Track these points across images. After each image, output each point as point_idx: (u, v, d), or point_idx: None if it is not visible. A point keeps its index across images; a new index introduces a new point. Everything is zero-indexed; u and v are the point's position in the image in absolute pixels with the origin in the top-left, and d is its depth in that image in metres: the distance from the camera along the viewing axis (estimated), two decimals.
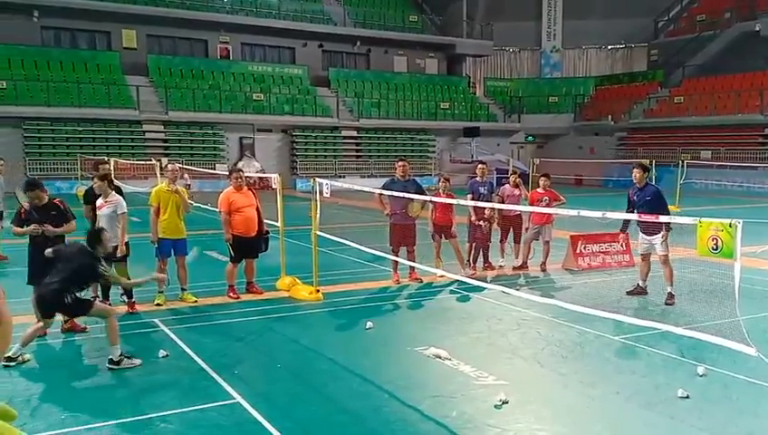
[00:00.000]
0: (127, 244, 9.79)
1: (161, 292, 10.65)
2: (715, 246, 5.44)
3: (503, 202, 13.55)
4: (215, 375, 7.42)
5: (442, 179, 13.29)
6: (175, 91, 38.19)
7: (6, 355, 7.42)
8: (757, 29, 43.91)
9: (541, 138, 50.72)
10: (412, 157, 41.34)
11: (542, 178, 14.12)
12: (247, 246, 11.22)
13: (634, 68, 54.51)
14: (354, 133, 43.25)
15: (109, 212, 9.75)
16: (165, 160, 25.21)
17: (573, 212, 7.70)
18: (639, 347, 8.49)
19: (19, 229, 8.98)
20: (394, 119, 44.01)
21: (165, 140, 37.63)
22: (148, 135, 37.31)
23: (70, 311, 7.95)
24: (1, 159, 15.25)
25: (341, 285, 12.23)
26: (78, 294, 7.68)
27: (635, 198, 11.19)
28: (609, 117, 46.78)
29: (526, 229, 13.91)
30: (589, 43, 56.43)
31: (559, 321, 9.64)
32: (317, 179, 11.47)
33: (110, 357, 7.67)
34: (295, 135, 40.98)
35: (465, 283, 10.53)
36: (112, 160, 21.50)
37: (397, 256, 12.32)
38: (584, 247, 14.04)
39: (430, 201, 12.16)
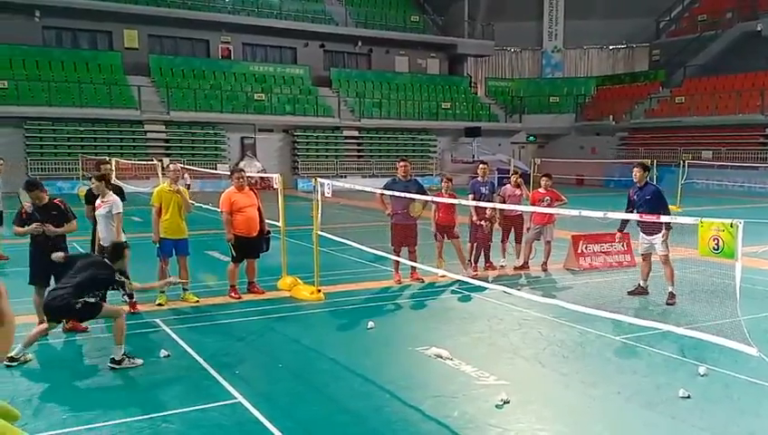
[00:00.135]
0: (124, 244, 9.73)
1: (163, 292, 10.66)
2: (716, 246, 5.44)
3: (504, 202, 13.55)
4: (216, 375, 7.43)
5: (445, 179, 13.29)
6: (176, 91, 38.19)
7: (9, 355, 7.43)
8: (759, 29, 43.91)
9: (542, 138, 50.69)
10: (413, 157, 41.30)
11: (544, 178, 14.13)
12: (249, 246, 11.23)
13: (635, 68, 54.49)
14: (356, 133, 43.24)
15: (104, 212, 9.75)
16: (166, 160, 25.24)
17: (575, 212, 7.70)
18: (641, 347, 8.49)
19: (20, 229, 9.00)
20: (395, 119, 44.00)
21: (166, 140, 37.64)
22: (149, 135, 37.32)
23: (80, 316, 7.94)
24: (0, 159, 15.26)
25: (343, 285, 12.23)
26: (88, 299, 7.67)
27: (635, 197, 11.19)
28: (611, 117, 46.75)
29: (528, 229, 13.91)
30: (590, 43, 56.42)
31: (560, 321, 9.64)
32: (318, 179, 11.47)
33: (112, 357, 7.68)
34: (297, 135, 40.98)
35: (467, 283, 10.54)
36: (114, 160, 21.54)
37: (398, 256, 12.33)
38: (585, 247, 14.05)
39: (432, 201, 12.17)
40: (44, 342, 8.54)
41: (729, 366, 7.47)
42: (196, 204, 12.82)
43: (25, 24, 36.83)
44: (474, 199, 12.53)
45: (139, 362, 7.79)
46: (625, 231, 13.12)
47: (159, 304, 10.48)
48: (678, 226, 8.82)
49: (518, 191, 13.98)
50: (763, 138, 38.47)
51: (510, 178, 14.52)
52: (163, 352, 8.13)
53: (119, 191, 10.89)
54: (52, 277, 8.75)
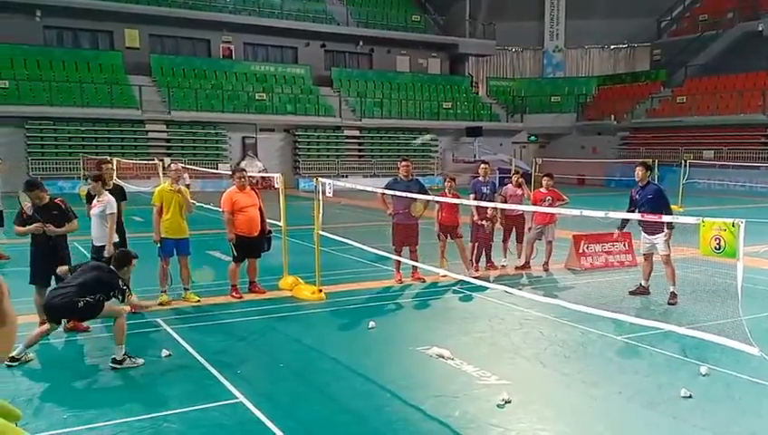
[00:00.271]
0: (115, 244, 9.72)
1: (164, 291, 10.66)
2: (717, 246, 5.43)
3: (505, 202, 13.54)
4: (217, 375, 7.43)
5: (448, 179, 13.27)
6: (177, 90, 38.20)
7: (10, 355, 7.43)
8: (760, 29, 43.87)
9: (543, 137, 50.68)
10: (414, 157, 41.25)
11: (545, 177, 14.12)
12: (250, 246, 11.22)
13: (637, 68, 54.45)
14: (357, 133, 43.24)
15: (98, 211, 9.73)
16: (167, 160, 25.26)
17: (576, 212, 7.70)
18: (642, 347, 8.48)
19: (21, 229, 9.00)
20: (396, 118, 43.98)
21: (167, 140, 37.63)
22: (150, 135, 37.30)
23: (81, 315, 7.92)
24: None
25: (344, 284, 12.23)
26: (91, 300, 7.66)
27: (637, 196, 11.18)
28: (612, 117, 46.72)
29: (529, 229, 13.90)
30: (591, 43, 56.37)
31: (561, 321, 9.63)
32: (320, 179, 11.47)
33: (113, 356, 7.68)
34: (298, 135, 40.97)
35: (468, 282, 10.54)
36: (115, 160, 21.52)
37: (399, 255, 12.33)
38: (587, 247, 14.04)
39: (433, 201, 12.15)
40: (46, 341, 8.53)
41: (731, 366, 7.47)
42: (197, 204, 12.82)
43: (26, 23, 36.84)
44: (475, 199, 12.53)
45: (141, 361, 7.79)
46: (626, 230, 13.15)
47: (161, 304, 10.48)
48: (680, 225, 8.82)
49: (519, 191, 13.97)
50: (765, 138, 38.43)
51: (511, 177, 14.51)
52: (164, 352, 8.13)
53: (120, 191, 10.90)
54: (53, 278, 8.75)
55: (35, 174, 30.86)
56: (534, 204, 13.60)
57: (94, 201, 9.93)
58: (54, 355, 8.40)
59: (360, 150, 43.10)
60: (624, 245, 14.31)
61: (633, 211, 11.09)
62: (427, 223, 13.15)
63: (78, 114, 34.90)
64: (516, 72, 56.95)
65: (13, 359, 7.56)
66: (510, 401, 6.61)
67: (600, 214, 7.27)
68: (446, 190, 12.89)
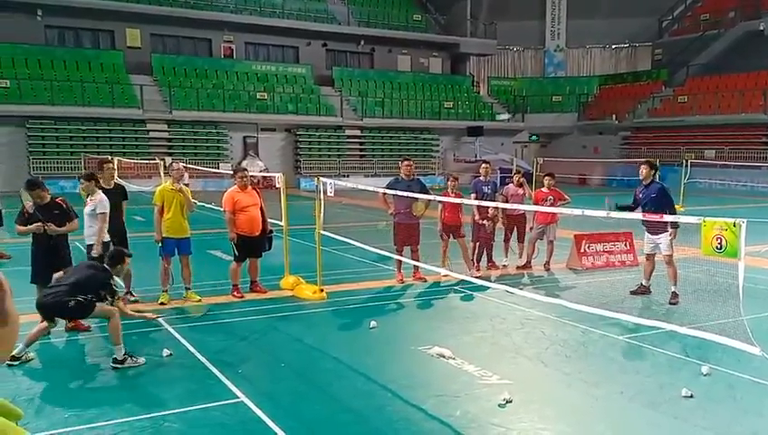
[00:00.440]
0: (106, 244, 9.71)
1: (165, 291, 10.66)
2: (719, 246, 5.43)
3: (506, 202, 13.52)
4: (218, 374, 7.43)
5: (451, 178, 13.24)
6: (179, 90, 38.21)
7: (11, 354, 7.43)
8: (761, 28, 43.83)
9: (544, 137, 50.66)
10: (416, 156, 41.18)
11: (547, 177, 14.12)
12: (251, 246, 11.22)
13: (638, 67, 54.44)
14: (358, 132, 43.24)
15: (89, 210, 9.72)
16: (169, 160, 25.27)
17: (577, 211, 7.69)
18: (643, 347, 8.47)
19: (22, 228, 9.02)
20: (398, 118, 43.96)
21: (169, 140, 37.64)
22: (151, 134, 37.32)
23: (71, 314, 7.91)
24: None
25: (345, 284, 12.22)
26: (83, 299, 7.65)
27: (641, 195, 11.13)
28: (613, 116, 46.71)
29: (530, 229, 13.89)
30: (593, 43, 56.36)
31: (563, 320, 9.63)
32: (321, 179, 11.46)
33: (114, 356, 7.68)
34: (299, 134, 40.97)
35: (469, 282, 10.54)
36: (116, 159, 21.53)
37: (401, 255, 12.32)
38: (588, 247, 14.03)
39: (435, 200, 12.15)
40: (46, 341, 8.55)
41: (732, 366, 7.46)
42: (199, 203, 12.82)
43: (28, 23, 36.85)
44: (476, 199, 12.52)
45: (142, 360, 7.79)
46: (628, 230, 13.15)
47: (162, 303, 10.48)
48: (681, 225, 8.81)
49: (520, 191, 13.96)
50: (766, 137, 38.42)
51: (512, 177, 14.51)
52: (165, 352, 8.13)
53: (121, 191, 10.91)
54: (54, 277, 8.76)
55: (36, 173, 30.87)
56: (536, 203, 13.60)
57: (87, 200, 9.93)
58: (55, 355, 8.41)
59: (361, 150, 43.10)
60: (625, 244, 14.30)
61: (634, 209, 11.09)
62: (428, 223, 13.14)
63: (79, 114, 34.93)
64: (517, 72, 56.95)
65: (13, 358, 7.56)
66: (511, 401, 6.61)
67: (602, 214, 7.26)
68: (449, 190, 12.87)
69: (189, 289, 10.91)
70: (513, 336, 9.02)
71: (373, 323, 9.48)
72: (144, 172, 31.87)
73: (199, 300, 10.76)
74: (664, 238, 10.66)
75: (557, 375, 7.53)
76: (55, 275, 8.19)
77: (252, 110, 39.47)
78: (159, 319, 9.60)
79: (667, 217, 9.06)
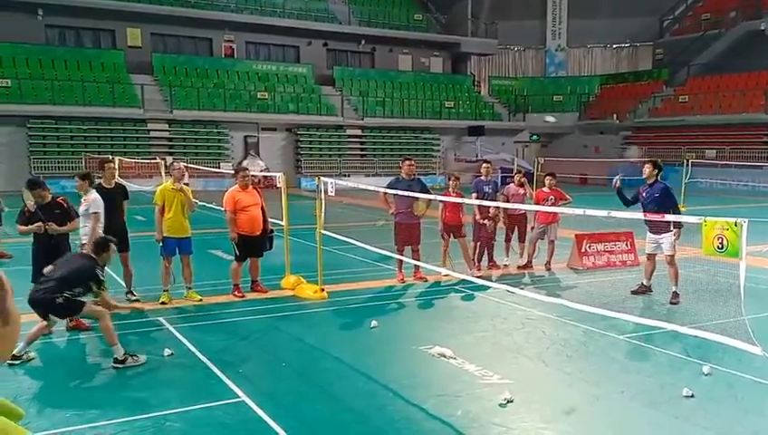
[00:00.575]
0: (108, 239, 9.67)
1: (166, 290, 10.66)
2: (720, 245, 5.42)
3: (507, 201, 13.51)
4: (219, 374, 7.42)
5: (453, 178, 13.23)
6: (179, 89, 38.22)
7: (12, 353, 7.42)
8: (762, 28, 43.78)
9: (545, 137, 50.63)
10: (416, 156, 41.14)
11: (548, 177, 14.11)
12: (252, 245, 11.22)
13: (639, 67, 54.42)
14: (359, 132, 43.26)
15: (82, 210, 9.71)
16: (170, 159, 25.26)
17: (579, 211, 7.69)
18: (644, 346, 8.47)
19: (24, 228, 9.03)
20: (398, 117, 43.97)
21: (170, 139, 37.66)
22: (152, 134, 37.35)
23: (60, 311, 7.85)
24: None
25: (346, 283, 12.22)
26: (70, 296, 7.64)
27: (644, 194, 11.08)
28: (614, 116, 46.70)
29: (532, 228, 13.89)
30: (594, 42, 56.33)
31: (564, 320, 9.62)
32: (322, 178, 11.46)
33: (115, 356, 7.67)
34: (300, 134, 40.98)
35: (470, 282, 10.54)
36: (117, 159, 21.53)
37: (402, 255, 12.32)
38: (589, 247, 14.03)
39: (435, 200, 12.15)
40: (48, 340, 8.55)
41: (733, 365, 7.45)
42: (200, 203, 12.83)
43: (28, 22, 36.85)
44: (477, 198, 12.52)
45: (143, 358, 7.79)
46: (629, 230, 13.12)
47: (163, 303, 10.48)
48: (683, 225, 8.80)
49: (521, 190, 13.96)
50: (767, 137, 38.39)
51: (513, 177, 14.51)
52: (166, 351, 8.12)
53: (122, 190, 10.91)
54: None
55: (37, 173, 30.89)
56: (537, 203, 13.59)
57: (81, 200, 9.93)
58: (56, 354, 8.41)
59: (362, 150, 43.11)
60: (626, 244, 14.30)
61: (630, 203, 11.11)
62: (429, 222, 13.13)
63: (80, 113, 34.96)
64: (518, 72, 56.93)
65: (15, 357, 7.56)
66: (512, 401, 6.60)
67: (603, 213, 7.26)
68: (450, 189, 12.86)
69: (190, 289, 10.91)
70: (514, 336, 9.02)
71: (374, 323, 9.48)
72: (145, 172, 31.87)
73: (200, 300, 10.76)
74: (666, 238, 10.64)
75: (558, 375, 7.53)
76: (46, 270, 8.19)
77: (253, 109, 39.49)
78: (146, 308, 9.66)
79: (669, 217, 9.05)
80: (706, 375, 7.34)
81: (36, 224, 8.88)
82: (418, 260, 11.94)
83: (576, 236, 14.16)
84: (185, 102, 37.70)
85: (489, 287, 11.25)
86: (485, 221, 13.14)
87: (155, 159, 28.24)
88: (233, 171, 12.46)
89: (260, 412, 6.34)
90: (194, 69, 40.92)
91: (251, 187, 11.42)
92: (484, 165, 14.04)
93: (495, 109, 48.54)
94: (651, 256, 11.17)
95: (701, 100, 42.55)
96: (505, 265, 13.91)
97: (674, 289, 10.75)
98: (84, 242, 9.52)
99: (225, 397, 6.76)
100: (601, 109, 48.92)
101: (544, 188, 14.06)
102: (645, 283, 11.37)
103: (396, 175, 13.40)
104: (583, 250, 13.93)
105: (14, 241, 13.73)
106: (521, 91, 52.24)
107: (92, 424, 6.09)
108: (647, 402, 6.64)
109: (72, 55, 37.93)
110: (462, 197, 11.82)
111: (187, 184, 11.23)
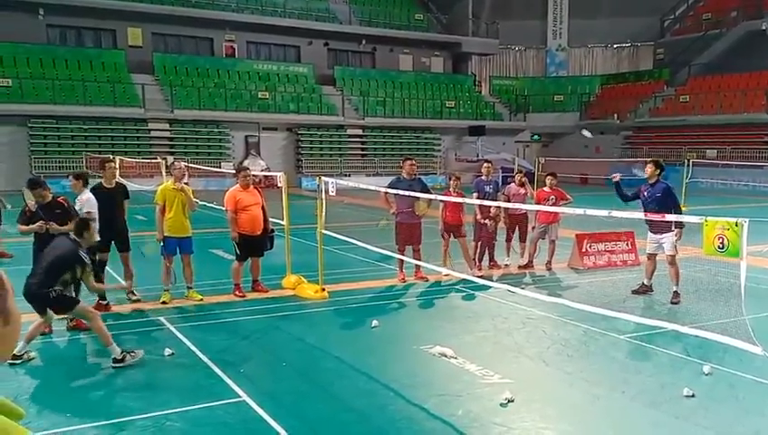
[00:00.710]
0: (87, 218, 9.67)
1: (167, 290, 10.66)
2: (721, 245, 5.42)
3: (508, 201, 13.50)
4: (220, 373, 7.42)
5: (453, 178, 13.22)
6: (180, 89, 38.23)
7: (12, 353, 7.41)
8: (763, 28, 43.72)
9: (546, 136, 50.62)
10: (417, 155, 41.12)
11: (549, 177, 14.11)
12: (253, 245, 11.22)
13: (640, 67, 54.37)
14: (359, 132, 43.26)
15: (76, 210, 9.73)
16: (170, 159, 25.25)
17: (579, 211, 7.69)
18: (645, 346, 8.47)
19: (24, 227, 9.03)
20: (399, 117, 43.96)
21: (170, 139, 37.67)
22: (153, 133, 37.37)
23: (53, 305, 7.83)
24: None
25: (347, 283, 12.22)
26: (63, 291, 7.64)
27: (645, 193, 11.06)
28: (615, 116, 46.67)
29: (533, 228, 13.89)
30: (594, 42, 56.31)
31: (564, 319, 9.62)
32: (323, 178, 11.46)
33: (113, 356, 7.67)
34: (301, 133, 40.98)
35: (471, 281, 10.54)
36: (118, 159, 21.54)
37: (403, 254, 12.31)
38: (590, 246, 14.03)
39: (436, 199, 12.14)
40: (48, 340, 8.56)
41: (734, 365, 7.45)
42: (200, 202, 12.83)
43: (29, 22, 36.86)
44: (478, 198, 12.52)
45: (141, 353, 7.79)
46: (629, 230, 13.09)
47: (163, 303, 10.48)
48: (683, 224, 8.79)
49: (522, 190, 13.96)
50: None
51: (514, 176, 14.50)
52: (167, 351, 8.12)
53: (123, 190, 10.91)
54: None
55: (38, 172, 30.88)
56: (538, 203, 13.59)
57: (76, 199, 9.93)
58: (57, 354, 8.41)
59: (362, 149, 43.12)
60: (627, 244, 14.30)
61: (628, 199, 11.10)
62: (430, 222, 13.13)
63: (81, 113, 34.97)
64: (519, 71, 56.90)
65: (14, 356, 7.55)
66: (513, 400, 6.60)
67: (604, 213, 7.26)
68: (452, 189, 12.86)
69: (191, 288, 10.92)
70: (515, 336, 9.02)
71: (375, 323, 9.48)
72: (146, 171, 31.85)
73: (201, 299, 10.76)
74: (668, 238, 10.62)
75: (559, 374, 7.53)
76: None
77: (253, 109, 39.49)
78: (133, 289, 9.69)
79: (670, 217, 9.04)
80: (707, 375, 7.34)
81: (37, 223, 8.89)
82: (419, 260, 11.94)
83: (577, 235, 14.16)
84: (186, 102, 37.71)
85: (490, 287, 11.24)
86: (486, 221, 13.14)
87: (156, 158, 28.24)
88: (234, 171, 12.46)
89: (261, 412, 6.34)
90: (195, 69, 40.92)
91: (252, 186, 11.42)
92: (484, 165, 14.04)
93: (496, 108, 48.54)
94: (652, 256, 11.16)
95: (702, 100, 42.54)
96: (506, 264, 13.91)
97: (675, 289, 10.75)
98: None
99: (225, 397, 6.76)
100: (602, 109, 48.89)
101: (545, 188, 14.05)
102: (646, 282, 11.37)
103: (397, 175, 13.39)
104: (584, 250, 13.93)
105: (15, 240, 13.73)
106: (521, 90, 52.20)
107: (93, 424, 6.09)
108: (647, 402, 6.63)
109: (72, 55, 37.94)
110: (463, 196, 11.82)
111: (187, 183, 11.23)
